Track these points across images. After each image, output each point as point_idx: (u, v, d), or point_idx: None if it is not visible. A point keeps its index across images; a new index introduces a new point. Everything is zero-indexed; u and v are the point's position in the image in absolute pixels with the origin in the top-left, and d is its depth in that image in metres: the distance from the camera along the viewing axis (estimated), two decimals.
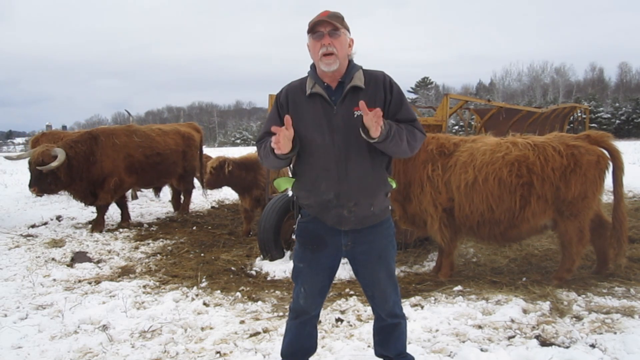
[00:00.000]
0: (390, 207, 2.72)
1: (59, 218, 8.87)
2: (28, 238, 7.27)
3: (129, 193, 11.86)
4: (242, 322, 3.88)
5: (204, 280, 5.06)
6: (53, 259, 5.98)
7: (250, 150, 9.39)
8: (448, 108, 6.56)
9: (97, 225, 7.89)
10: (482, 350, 3.24)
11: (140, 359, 3.30)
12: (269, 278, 5.14)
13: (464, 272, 5.12)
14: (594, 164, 4.46)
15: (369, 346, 3.27)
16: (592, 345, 3.26)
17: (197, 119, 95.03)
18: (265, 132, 2.59)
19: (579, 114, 11.42)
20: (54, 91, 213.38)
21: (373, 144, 2.37)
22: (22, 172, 15.12)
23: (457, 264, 5.25)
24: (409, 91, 67.86)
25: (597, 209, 4.69)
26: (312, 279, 2.67)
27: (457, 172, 4.66)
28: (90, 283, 5.00)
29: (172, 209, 10.05)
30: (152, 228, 8.17)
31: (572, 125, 11.73)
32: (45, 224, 8.51)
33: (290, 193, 2.76)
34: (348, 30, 2.50)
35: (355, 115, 2.43)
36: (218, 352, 3.35)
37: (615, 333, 3.46)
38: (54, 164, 7.18)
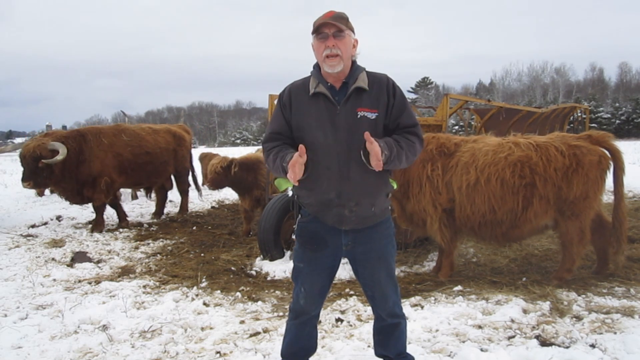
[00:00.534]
0: (390, 207, 2.72)
1: (59, 218, 8.87)
2: (28, 238, 7.27)
3: (128, 193, 11.91)
4: (242, 322, 3.88)
5: (204, 280, 5.05)
6: (53, 259, 5.98)
7: (250, 150, 9.40)
8: (448, 108, 6.56)
9: (97, 225, 7.88)
10: (482, 350, 3.24)
11: (140, 359, 3.30)
12: (269, 278, 5.14)
13: (464, 272, 5.12)
14: (596, 164, 4.46)
15: (369, 346, 3.27)
16: (592, 345, 3.26)
17: (197, 119, 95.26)
18: (272, 133, 2.60)
19: (579, 114, 11.42)
20: (54, 91, 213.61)
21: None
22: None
23: (457, 264, 5.25)
24: (409, 91, 67.91)
25: (597, 209, 4.69)
26: (312, 279, 2.67)
27: (458, 173, 4.66)
28: (90, 283, 5.00)
29: (171, 209, 10.05)
30: (152, 228, 8.17)
31: (572, 125, 11.73)
32: (45, 224, 8.51)
33: (290, 193, 2.76)
34: (353, 31, 2.50)
35: (359, 116, 2.45)
36: (218, 352, 3.35)
37: (615, 333, 3.46)
38: (59, 157, 7.11)
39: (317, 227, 2.60)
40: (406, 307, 3.97)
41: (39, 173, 7.21)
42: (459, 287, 4.49)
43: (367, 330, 3.49)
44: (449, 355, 3.20)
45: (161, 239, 7.21)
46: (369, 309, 3.77)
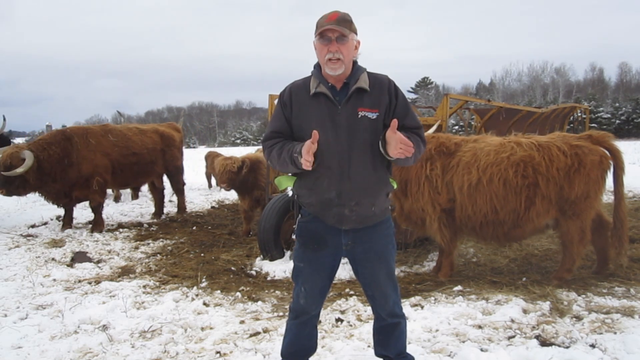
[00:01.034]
0: (390, 207, 2.72)
1: (59, 218, 8.87)
2: (28, 238, 7.27)
3: (128, 193, 11.92)
4: (242, 322, 3.88)
5: (204, 280, 5.05)
6: (53, 259, 5.98)
7: (250, 150, 9.40)
8: (448, 108, 6.56)
9: (97, 225, 7.88)
10: (482, 350, 3.24)
11: (140, 359, 3.30)
12: (269, 278, 5.14)
13: (464, 272, 5.12)
14: (597, 163, 4.47)
15: (369, 346, 3.27)
16: (592, 345, 3.26)
17: (197, 119, 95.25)
18: (272, 132, 2.60)
19: (579, 114, 11.42)
20: (54, 91, 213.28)
21: (384, 156, 2.44)
22: None
23: (457, 264, 5.25)
24: (409, 91, 67.92)
25: (598, 209, 4.69)
26: (313, 278, 2.67)
27: (459, 173, 4.65)
28: (90, 283, 5.00)
29: (171, 209, 10.06)
30: (152, 228, 8.18)
31: (572, 125, 11.73)
32: (45, 224, 8.52)
33: (290, 192, 2.77)
34: (356, 33, 2.50)
35: (359, 116, 2.46)
36: (218, 352, 3.35)
37: (615, 333, 3.46)
38: (19, 170, 6.94)
39: (318, 226, 2.61)
40: (406, 307, 3.97)
41: (12, 182, 7.11)
42: (459, 287, 4.49)
43: (367, 330, 3.49)
44: (449, 355, 3.20)
45: (161, 239, 7.21)
46: (369, 309, 3.77)
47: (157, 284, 4.97)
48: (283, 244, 5.64)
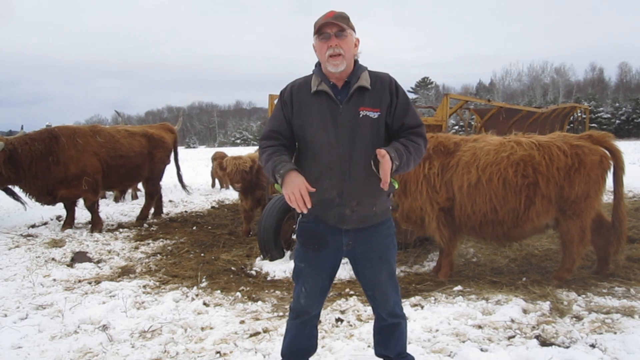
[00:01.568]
0: (390, 207, 2.72)
1: (59, 218, 8.88)
2: (28, 238, 7.27)
3: (128, 193, 11.92)
4: (242, 322, 3.88)
5: (204, 280, 5.05)
6: (53, 259, 5.98)
7: (250, 151, 9.40)
8: (448, 108, 6.57)
9: (96, 225, 7.88)
10: (482, 350, 3.24)
11: (140, 359, 3.30)
12: (269, 278, 5.14)
13: (464, 272, 5.12)
14: (597, 163, 4.47)
15: (369, 346, 3.27)
16: (592, 345, 3.26)
17: (197, 119, 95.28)
18: (270, 131, 2.59)
19: (579, 114, 11.42)
20: (54, 91, 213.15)
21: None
22: None
23: (457, 264, 5.25)
24: (409, 91, 67.87)
25: (598, 209, 4.70)
26: (313, 278, 2.66)
27: (459, 172, 4.65)
28: (90, 283, 5.00)
29: (171, 209, 10.06)
30: (152, 228, 8.18)
31: (572, 125, 11.73)
32: (45, 224, 8.52)
33: None
34: (354, 30, 2.50)
35: (361, 115, 2.45)
36: (218, 352, 3.35)
37: (615, 333, 3.46)
38: None
39: (318, 226, 2.60)
40: (406, 307, 3.97)
41: None
42: (459, 287, 4.49)
43: (367, 330, 3.49)
44: (449, 355, 3.20)
45: (161, 239, 7.21)
46: (369, 309, 3.77)
47: (157, 284, 4.97)
48: (283, 244, 5.64)
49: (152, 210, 9.25)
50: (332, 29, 2.41)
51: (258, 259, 5.71)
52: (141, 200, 11.29)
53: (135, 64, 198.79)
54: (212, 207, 10.35)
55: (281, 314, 4.02)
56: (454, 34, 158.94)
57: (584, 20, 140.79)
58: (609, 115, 48.78)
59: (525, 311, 3.89)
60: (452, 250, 4.93)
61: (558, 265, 4.89)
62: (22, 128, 8.65)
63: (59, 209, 9.11)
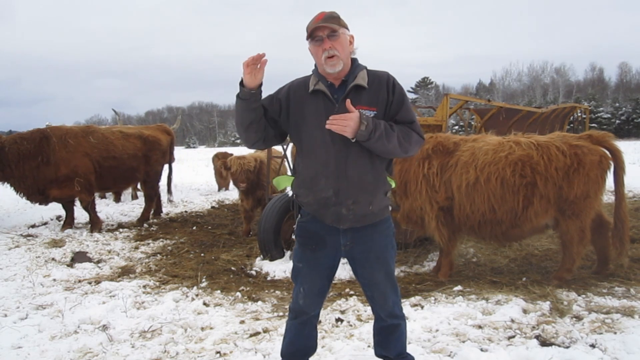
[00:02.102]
0: (390, 207, 2.71)
1: (59, 218, 8.88)
2: (28, 238, 7.27)
3: (128, 193, 11.92)
4: (242, 322, 3.88)
5: (204, 280, 5.05)
6: (53, 259, 5.98)
7: (249, 151, 9.40)
8: (448, 108, 6.55)
9: (94, 224, 7.88)
10: (482, 350, 3.24)
11: (140, 359, 3.30)
12: (269, 278, 5.14)
13: (464, 272, 5.12)
14: (597, 163, 4.47)
15: (369, 346, 3.27)
16: (592, 345, 3.26)
17: (197, 119, 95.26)
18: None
19: (579, 114, 11.41)
20: (54, 91, 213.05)
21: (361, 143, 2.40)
22: None
23: (457, 264, 5.25)
24: (409, 91, 67.94)
25: (598, 209, 4.69)
26: (312, 278, 2.66)
27: (458, 172, 4.66)
28: (90, 283, 5.00)
29: (171, 209, 10.06)
30: (152, 228, 8.18)
31: (572, 125, 11.72)
32: (45, 224, 8.52)
33: (290, 192, 2.76)
34: (347, 28, 2.49)
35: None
36: (218, 352, 3.35)
37: (615, 333, 3.46)
38: None
39: (316, 226, 2.60)
40: (406, 307, 3.97)
41: None
42: (459, 287, 4.49)
43: (367, 330, 3.49)
44: (449, 355, 3.20)
45: (161, 239, 7.21)
46: (369, 309, 3.77)
47: (157, 284, 4.97)
48: (283, 244, 5.64)
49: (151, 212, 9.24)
50: (324, 31, 2.41)
51: (258, 259, 5.71)
52: (141, 201, 11.28)
53: (135, 64, 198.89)
54: (212, 207, 10.35)
55: (281, 314, 4.02)
56: (454, 34, 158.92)
57: (584, 20, 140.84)
58: (609, 115, 48.77)
59: (525, 311, 3.89)
60: (451, 250, 4.93)
61: (558, 265, 4.89)
62: (48, 126, 8.69)
63: (59, 209, 9.12)
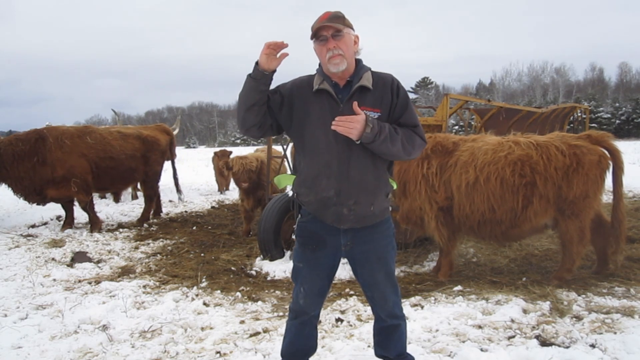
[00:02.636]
0: (390, 208, 2.71)
1: (59, 218, 8.88)
2: (28, 238, 7.27)
3: (128, 193, 11.92)
4: (242, 322, 3.88)
5: (204, 280, 5.05)
6: (53, 259, 5.98)
7: (250, 150, 9.40)
8: (448, 108, 6.56)
9: (94, 224, 7.88)
10: (482, 350, 3.24)
11: (140, 359, 3.30)
12: (269, 278, 5.14)
13: (464, 272, 5.12)
14: (596, 163, 4.47)
15: (369, 346, 3.27)
16: (592, 345, 3.26)
17: (197, 119, 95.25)
18: None
19: (579, 114, 11.41)
20: (54, 91, 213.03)
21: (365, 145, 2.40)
22: None
23: (457, 264, 5.25)
24: (409, 91, 67.62)
25: (597, 209, 4.70)
26: (312, 278, 2.66)
27: (457, 172, 4.66)
28: (90, 283, 5.00)
29: (171, 209, 10.06)
30: (152, 228, 8.18)
31: (572, 125, 11.72)
32: (45, 224, 8.52)
33: (290, 191, 2.76)
34: (351, 27, 2.48)
35: None
36: (218, 352, 3.35)
37: (615, 333, 3.46)
38: None
39: (317, 226, 2.60)
40: (406, 307, 3.97)
41: None
42: (459, 287, 4.49)
43: (367, 330, 3.49)
44: (449, 355, 3.20)
45: (161, 239, 7.21)
46: (369, 309, 3.77)
47: (157, 284, 4.97)
48: (283, 244, 5.64)
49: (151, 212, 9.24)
50: (328, 31, 2.41)
51: (258, 259, 5.71)
52: (141, 201, 11.29)
53: (135, 64, 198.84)
54: (212, 207, 10.35)
55: (281, 314, 4.02)
56: (454, 34, 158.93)
57: (584, 20, 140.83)
58: (609, 115, 48.75)
59: (525, 311, 3.90)
60: (451, 250, 4.94)
61: (558, 265, 4.89)
62: (49, 126, 8.70)
63: (59, 209, 9.13)
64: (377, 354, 2.90)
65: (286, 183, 2.80)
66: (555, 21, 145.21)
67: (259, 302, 4.32)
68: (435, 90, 69.47)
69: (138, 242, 7.01)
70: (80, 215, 8.66)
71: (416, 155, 2.58)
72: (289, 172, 6.80)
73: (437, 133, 5.25)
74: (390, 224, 2.70)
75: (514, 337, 3.45)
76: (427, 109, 10.71)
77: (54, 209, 9.07)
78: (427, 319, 3.75)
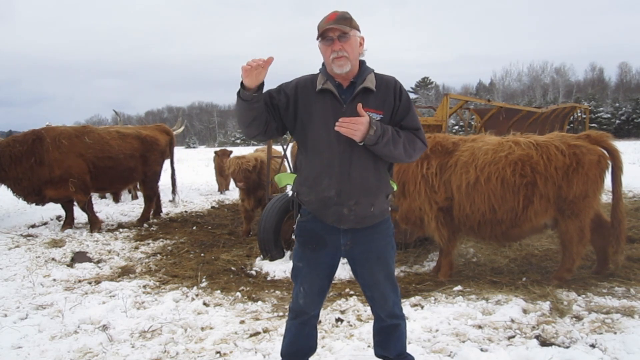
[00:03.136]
0: (390, 208, 2.72)
1: (59, 218, 8.88)
2: (28, 238, 7.28)
3: (128, 194, 11.92)
4: (242, 322, 3.88)
5: (204, 280, 5.06)
6: (53, 259, 5.98)
7: (250, 150, 9.40)
8: (448, 108, 6.56)
9: (93, 224, 7.88)
10: (482, 350, 3.24)
11: (140, 359, 3.30)
12: (269, 278, 5.15)
13: (464, 272, 5.12)
14: (596, 163, 4.47)
15: (369, 346, 3.27)
16: (592, 345, 3.26)
17: (197, 119, 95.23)
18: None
19: (579, 114, 11.41)
20: (54, 91, 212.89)
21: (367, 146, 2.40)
22: None
23: (457, 264, 5.25)
24: (409, 91, 67.67)
25: (597, 209, 4.70)
26: (311, 278, 2.67)
27: (457, 172, 4.66)
28: (90, 283, 5.00)
29: (171, 209, 10.06)
30: (152, 228, 8.18)
31: (572, 125, 11.73)
32: (45, 224, 8.52)
33: (290, 191, 2.76)
34: (358, 29, 2.48)
35: None
36: (218, 352, 3.35)
37: (615, 333, 3.46)
38: None
39: (316, 226, 2.60)
40: (406, 307, 3.97)
41: None
42: (459, 287, 4.49)
43: (367, 330, 3.49)
44: (449, 355, 3.20)
45: (161, 239, 7.21)
46: (369, 309, 3.75)
47: (157, 284, 4.97)
48: (283, 244, 5.64)
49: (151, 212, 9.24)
50: (335, 33, 2.41)
51: (258, 259, 5.71)
52: (140, 201, 11.28)
53: (135, 64, 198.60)
54: (212, 207, 10.36)
55: (281, 314, 4.02)
56: (454, 34, 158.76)
57: (584, 20, 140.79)
58: (609, 115, 48.75)
59: (525, 311, 3.90)
60: (451, 250, 4.94)
61: (558, 265, 4.89)
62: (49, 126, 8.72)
63: (59, 209, 9.13)
64: (377, 354, 2.90)
65: (286, 182, 2.80)
66: (555, 21, 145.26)
67: (259, 302, 4.32)
68: (435, 90, 69.51)
69: (138, 242, 7.01)
70: (80, 215, 8.66)
71: (416, 159, 2.60)
72: (289, 171, 6.80)
73: (437, 133, 5.26)
74: (389, 224, 2.70)
75: (514, 337, 3.45)
76: (427, 109, 10.71)
77: (54, 209, 9.07)
78: (427, 319, 3.75)
